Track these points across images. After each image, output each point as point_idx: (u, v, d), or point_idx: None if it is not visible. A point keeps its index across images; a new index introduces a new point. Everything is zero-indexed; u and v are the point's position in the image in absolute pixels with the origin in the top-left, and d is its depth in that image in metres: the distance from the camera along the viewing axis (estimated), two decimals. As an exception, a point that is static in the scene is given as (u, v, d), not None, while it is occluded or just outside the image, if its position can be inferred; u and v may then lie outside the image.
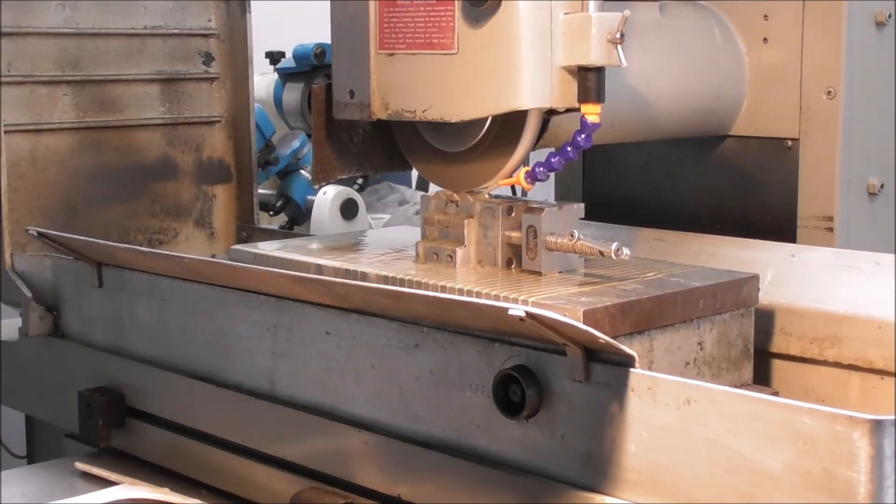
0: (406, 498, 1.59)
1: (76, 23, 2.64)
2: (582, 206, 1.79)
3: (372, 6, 1.87)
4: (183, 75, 2.82)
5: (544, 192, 2.37)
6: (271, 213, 3.63)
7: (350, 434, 1.66)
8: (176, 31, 2.80)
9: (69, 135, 2.65)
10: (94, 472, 1.98)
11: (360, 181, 3.85)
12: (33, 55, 2.58)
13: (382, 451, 1.62)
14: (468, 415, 1.51)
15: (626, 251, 1.65)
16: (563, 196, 2.65)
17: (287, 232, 3.21)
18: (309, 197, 3.57)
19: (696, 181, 2.40)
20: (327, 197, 3.47)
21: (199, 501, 1.84)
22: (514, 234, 1.78)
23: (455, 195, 1.86)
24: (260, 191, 3.93)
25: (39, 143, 2.60)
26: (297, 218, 3.61)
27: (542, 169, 1.80)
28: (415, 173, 3.81)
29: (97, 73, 2.68)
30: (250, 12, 2.85)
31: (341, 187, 3.49)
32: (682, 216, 2.38)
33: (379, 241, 2.13)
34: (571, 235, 1.69)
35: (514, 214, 1.79)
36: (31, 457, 2.89)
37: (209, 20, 2.85)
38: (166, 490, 1.87)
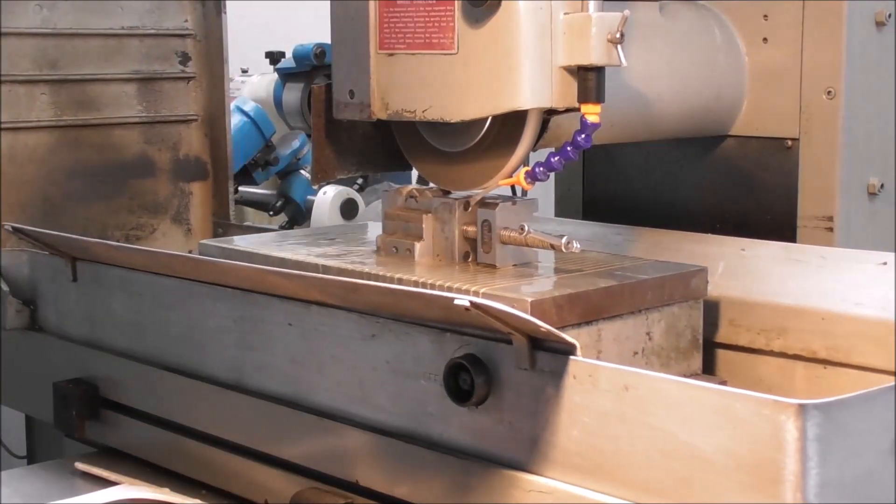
0: (364, 483, 1.62)
1: (54, 23, 2.67)
2: (537, 200, 1.82)
3: (372, 6, 1.87)
4: (160, 75, 2.86)
5: (544, 191, 2.38)
6: (271, 213, 3.65)
7: (315, 424, 1.70)
8: (153, 31, 2.84)
9: (47, 133, 2.68)
10: (94, 472, 1.99)
11: (360, 181, 3.86)
12: (11, 55, 2.61)
13: (345, 441, 1.66)
14: (423, 403, 1.55)
15: (576, 245, 1.69)
16: (563, 196, 2.66)
17: (262, 227, 3.25)
18: (309, 197, 3.59)
19: (696, 181, 2.40)
20: (327, 197, 3.49)
21: (199, 501, 1.84)
22: (471, 229, 1.81)
23: (415, 190, 1.90)
24: (260, 191, 3.97)
25: (18, 141, 2.63)
26: (297, 218, 3.62)
27: (542, 169, 1.79)
28: (415, 173, 3.83)
29: (75, 73, 2.71)
30: (226, 13, 2.88)
31: (341, 187, 3.50)
32: (682, 216, 2.38)
33: (345, 236, 2.17)
34: (522, 229, 1.73)
35: (470, 209, 1.83)
36: (31, 457, 2.88)
37: (185, 21, 2.89)
38: (166, 490, 1.87)
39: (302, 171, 3.68)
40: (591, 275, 1.72)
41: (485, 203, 1.79)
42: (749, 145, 2.30)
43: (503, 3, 1.70)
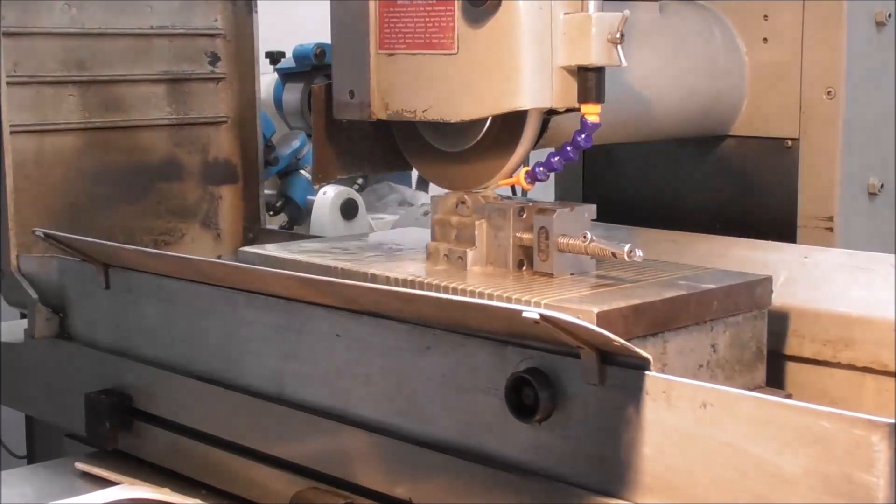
0: (416, 501, 1.58)
1: (82, 23, 2.64)
2: (594, 207, 1.78)
3: (372, 6, 1.87)
4: (189, 75, 2.82)
5: (544, 192, 2.36)
6: (271, 213, 3.63)
7: (359, 437, 1.66)
8: (182, 31, 2.80)
9: (75, 135, 2.65)
10: (94, 472, 1.99)
11: (360, 181, 3.86)
12: (39, 55, 2.58)
13: (393, 455, 1.61)
14: (480, 417, 1.51)
15: (638, 253, 1.64)
16: (562, 196, 2.65)
17: (293, 233, 3.21)
18: (309, 197, 3.57)
19: (696, 181, 2.40)
20: (327, 197, 3.47)
21: (199, 501, 1.84)
22: (526, 236, 1.77)
23: (466, 196, 1.85)
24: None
25: (45, 143, 2.59)
26: (297, 218, 3.61)
27: (542, 169, 1.80)
28: (415, 173, 3.80)
29: (103, 74, 2.68)
30: (256, 12, 2.85)
31: (341, 187, 3.50)
32: (682, 216, 2.38)
33: (387, 243, 2.12)
34: (584, 237, 1.68)
35: (525, 216, 1.78)
36: (31, 457, 2.91)
37: (215, 20, 2.85)
38: (167, 490, 1.88)
39: (302, 171, 3.66)
40: (654, 284, 1.67)
41: (542, 209, 1.74)
42: (749, 145, 2.31)
43: (503, 3, 1.71)
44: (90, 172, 2.67)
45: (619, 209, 2.38)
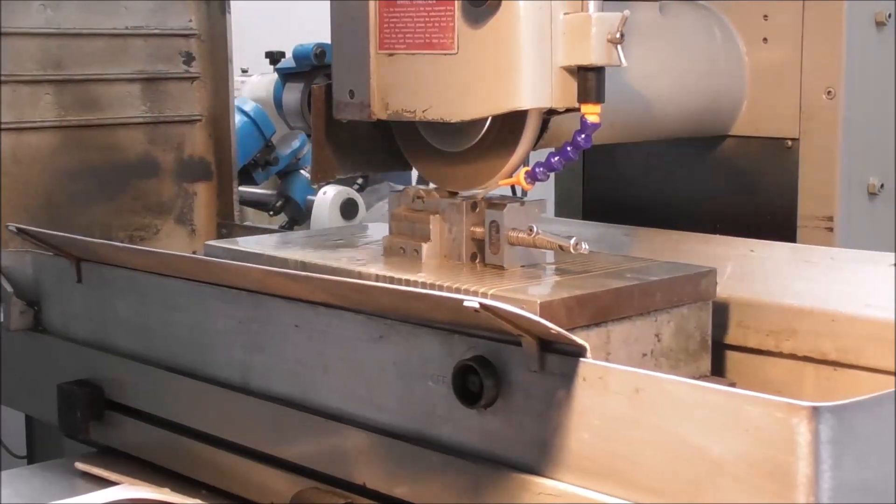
0: (370, 486, 1.62)
1: (58, 23, 2.67)
2: (545, 201, 1.82)
3: (372, 6, 1.87)
4: (164, 75, 2.85)
5: (545, 192, 2.37)
6: (271, 213, 3.64)
7: (320, 425, 1.69)
8: (157, 31, 2.83)
9: (52, 133, 2.68)
10: (94, 472, 1.99)
11: (360, 181, 3.86)
12: (16, 55, 2.61)
13: (352, 442, 1.65)
14: (431, 405, 1.54)
15: (584, 246, 1.68)
16: (562, 196, 2.65)
17: (266, 228, 3.24)
18: (309, 197, 3.58)
19: (696, 181, 2.40)
20: (327, 197, 3.48)
21: (199, 501, 1.84)
22: (478, 230, 1.80)
23: (422, 191, 1.89)
24: (260, 191, 3.97)
25: (22, 141, 2.62)
26: (297, 218, 3.62)
27: (542, 169, 1.79)
28: (415, 173, 3.82)
29: (79, 73, 2.71)
30: (230, 13, 2.88)
31: (341, 187, 3.50)
32: (682, 216, 2.38)
33: (351, 237, 2.16)
34: (530, 230, 1.72)
35: (478, 210, 1.82)
36: (31, 457, 2.88)
37: (190, 20, 2.89)
38: (166, 490, 1.87)
39: (302, 171, 3.67)
40: (599, 276, 1.72)
41: (492, 204, 1.79)
42: (749, 145, 2.30)
43: (503, 3, 1.70)
44: (67, 170, 2.70)
45: (619, 209, 2.40)
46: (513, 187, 1.97)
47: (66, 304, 2.22)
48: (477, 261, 1.82)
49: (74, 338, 2.19)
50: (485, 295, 1.60)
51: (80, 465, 2.02)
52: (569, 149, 1.76)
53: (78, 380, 2.11)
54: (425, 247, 1.85)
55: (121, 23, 2.77)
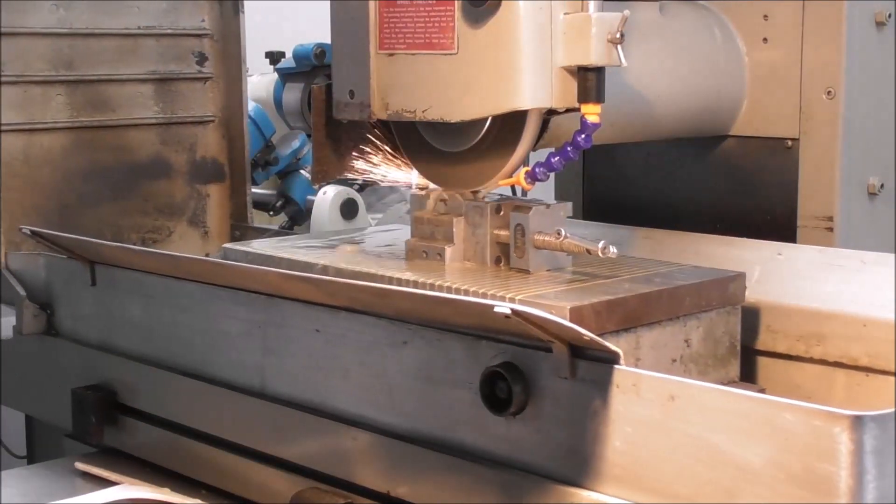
0: (394, 494, 1.59)
1: (70, 23, 2.65)
2: (570, 204, 1.80)
3: (372, 6, 1.87)
4: (176, 75, 2.83)
5: (544, 192, 2.37)
6: (271, 213, 3.63)
7: (340, 430, 1.67)
8: (169, 31, 2.81)
9: (63, 134, 2.66)
10: (94, 472, 1.98)
11: (360, 181, 3.85)
12: (27, 55, 2.59)
13: (372, 448, 1.63)
14: (455, 411, 1.52)
15: (612, 249, 1.66)
16: (562, 196, 2.64)
17: (280, 231, 3.22)
18: (309, 197, 3.57)
19: (696, 181, 2.39)
20: (327, 197, 3.47)
21: (199, 501, 1.84)
22: (503, 233, 1.78)
23: (445, 194, 1.87)
24: (260, 191, 3.95)
25: (33, 142, 2.61)
26: (297, 218, 3.61)
27: (542, 169, 1.79)
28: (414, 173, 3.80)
29: (91, 73, 2.69)
30: (243, 12, 2.86)
31: (341, 187, 3.49)
32: (682, 216, 2.38)
33: (370, 239, 2.14)
34: (558, 234, 1.70)
35: (502, 213, 1.80)
36: (31, 457, 2.89)
37: (202, 20, 2.87)
38: (166, 490, 1.87)
39: (302, 171, 3.66)
40: (627, 280, 1.69)
41: (518, 207, 1.76)
42: (749, 145, 2.30)
43: (503, 3, 1.70)
44: (78, 171, 2.68)
45: (619, 209, 2.40)
46: (513, 187, 1.98)
47: (78, 308, 2.20)
48: (501, 264, 1.80)
49: (87, 341, 2.17)
50: (512, 300, 1.58)
51: (80, 465, 2.02)
52: (569, 149, 1.76)
53: (91, 385, 2.10)
54: (448, 250, 1.82)
55: (133, 23, 2.75)
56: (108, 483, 1.93)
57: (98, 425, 2.05)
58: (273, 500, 1.76)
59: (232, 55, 2.88)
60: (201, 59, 2.86)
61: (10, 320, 2.46)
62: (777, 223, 2.25)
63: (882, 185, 2.28)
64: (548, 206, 1.76)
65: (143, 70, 2.77)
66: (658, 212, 2.41)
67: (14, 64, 2.56)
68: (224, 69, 2.89)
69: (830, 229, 2.20)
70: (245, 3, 2.90)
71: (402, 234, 2.07)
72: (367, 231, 2.40)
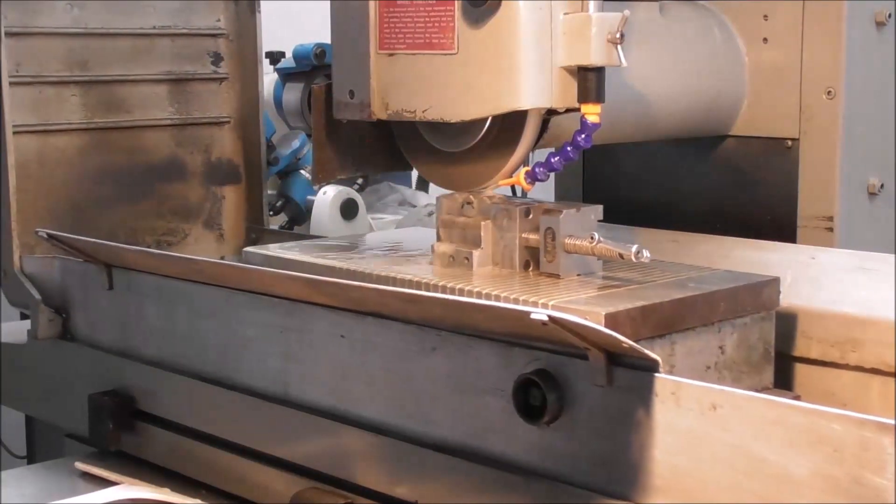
0: (422, 502, 1.57)
1: (84, 23, 2.63)
2: (600, 207, 1.77)
3: (372, 6, 1.87)
4: (191, 75, 2.80)
5: (544, 192, 2.36)
6: (271, 213, 3.61)
7: (362, 438, 1.65)
8: (184, 30, 2.79)
9: (77, 135, 2.63)
10: (94, 472, 1.99)
11: (360, 181, 3.85)
12: (41, 55, 2.57)
13: (396, 456, 1.61)
14: (485, 419, 1.49)
15: (646, 254, 1.63)
16: (562, 196, 2.64)
17: (296, 234, 3.20)
18: (309, 197, 3.56)
19: (696, 181, 2.39)
20: (327, 197, 3.46)
21: (199, 501, 1.84)
22: (532, 237, 1.75)
23: (472, 197, 1.84)
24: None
25: (47, 143, 2.58)
26: (297, 218, 3.60)
27: (542, 169, 1.80)
28: (415, 173, 3.79)
29: (105, 74, 2.67)
30: (260, 12, 2.83)
31: (341, 187, 3.49)
32: (682, 216, 2.37)
33: (391, 243, 2.11)
34: (591, 238, 1.66)
35: (531, 216, 1.77)
36: (31, 457, 2.90)
37: (218, 20, 2.84)
38: (167, 490, 1.87)
39: (302, 171, 3.65)
40: (660, 286, 1.66)
41: (548, 210, 1.73)
42: (749, 145, 2.31)
43: (503, 3, 1.71)
44: (93, 173, 2.65)
45: (619, 209, 2.35)
46: (513, 187, 1.97)
47: (94, 312, 2.18)
48: (530, 269, 1.77)
49: (103, 346, 2.16)
50: (545, 306, 1.54)
51: (80, 465, 2.02)
52: (569, 149, 1.76)
53: (108, 390, 2.08)
54: (476, 254, 1.79)
55: (148, 22, 2.72)
56: (108, 483, 1.93)
57: (115, 431, 2.04)
58: (273, 500, 1.76)
59: (248, 55, 2.85)
60: (217, 59, 2.83)
61: (20, 325, 2.44)
62: (777, 223, 2.25)
63: (882, 185, 2.28)
64: (578, 208, 1.73)
65: (158, 70, 2.74)
66: (658, 212, 2.42)
67: (28, 64, 2.54)
68: (240, 69, 2.86)
69: (830, 229, 2.20)
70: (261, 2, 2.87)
71: (423, 237, 2.04)
72: (385, 234, 2.37)
